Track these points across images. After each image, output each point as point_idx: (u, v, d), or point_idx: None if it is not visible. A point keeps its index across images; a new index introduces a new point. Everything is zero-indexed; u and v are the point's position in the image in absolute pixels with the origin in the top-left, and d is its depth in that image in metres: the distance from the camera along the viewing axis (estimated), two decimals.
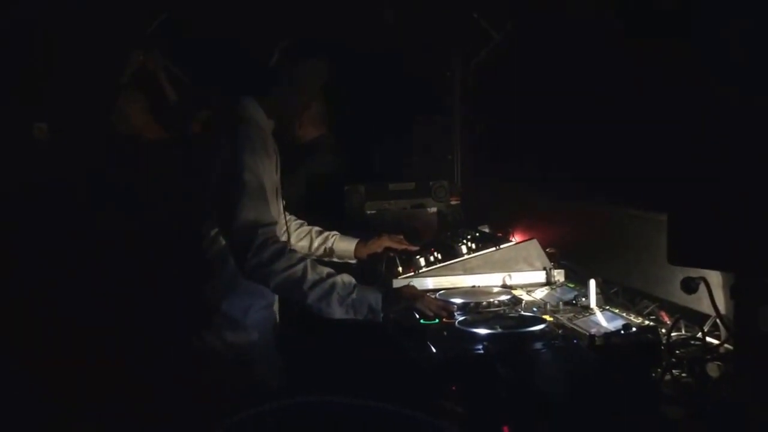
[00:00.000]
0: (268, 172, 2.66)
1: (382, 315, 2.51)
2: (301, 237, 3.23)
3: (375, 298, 2.51)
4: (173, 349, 2.76)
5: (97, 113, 3.88)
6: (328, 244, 3.24)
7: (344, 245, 3.25)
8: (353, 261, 3.28)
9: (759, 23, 1.53)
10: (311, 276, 2.47)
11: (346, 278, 2.53)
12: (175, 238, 2.80)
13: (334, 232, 3.26)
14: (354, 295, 2.49)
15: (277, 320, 2.85)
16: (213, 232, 2.66)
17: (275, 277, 2.46)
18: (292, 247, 2.72)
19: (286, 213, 3.04)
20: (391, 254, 3.22)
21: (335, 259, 3.25)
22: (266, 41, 2.74)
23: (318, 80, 2.80)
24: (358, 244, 3.25)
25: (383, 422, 1.34)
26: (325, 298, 2.47)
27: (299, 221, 3.26)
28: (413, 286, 2.80)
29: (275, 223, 2.57)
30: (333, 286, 2.48)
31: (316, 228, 3.25)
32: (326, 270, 2.52)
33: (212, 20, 4.09)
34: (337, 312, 2.48)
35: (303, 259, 2.51)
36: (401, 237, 3.32)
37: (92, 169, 3.74)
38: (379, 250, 3.25)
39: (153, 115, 3.99)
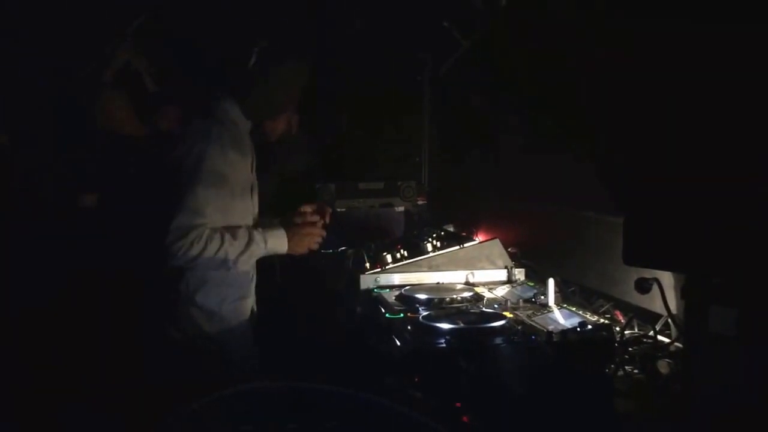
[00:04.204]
0: (241, 171, 2.75)
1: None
2: None
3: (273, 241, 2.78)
4: (152, 341, 2.80)
5: (79, 110, 3.87)
6: None
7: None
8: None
9: None
10: (233, 254, 2.67)
11: (255, 235, 2.73)
12: (150, 234, 2.83)
13: None
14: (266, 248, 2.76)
15: (255, 311, 2.91)
16: None
17: (201, 265, 2.66)
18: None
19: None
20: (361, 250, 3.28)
21: None
22: (241, 44, 2.75)
23: (297, 84, 2.87)
24: None
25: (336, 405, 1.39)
26: (247, 260, 2.75)
27: None
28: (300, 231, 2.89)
29: (206, 224, 2.64)
30: (249, 248, 2.71)
31: None
32: (243, 240, 2.70)
33: (191, 22, 4.09)
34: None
35: (223, 243, 2.65)
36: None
37: (73, 164, 3.74)
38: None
39: (135, 112, 3.99)
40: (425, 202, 4.26)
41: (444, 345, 2.20)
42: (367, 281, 3.04)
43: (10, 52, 3.86)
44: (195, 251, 2.60)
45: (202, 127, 2.70)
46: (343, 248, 3.45)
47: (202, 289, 2.72)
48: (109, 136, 3.83)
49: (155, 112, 4.15)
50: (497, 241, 3.19)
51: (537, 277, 3.05)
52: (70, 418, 2.91)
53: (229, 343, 2.76)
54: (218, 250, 2.64)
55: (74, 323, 3.27)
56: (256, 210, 2.96)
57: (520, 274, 3.12)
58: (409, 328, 2.42)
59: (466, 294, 2.82)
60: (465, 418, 1.81)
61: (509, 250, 3.21)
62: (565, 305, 2.65)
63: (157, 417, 1.38)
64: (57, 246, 3.53)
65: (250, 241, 2.73)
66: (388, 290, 2.97)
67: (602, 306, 2.66)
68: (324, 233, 2.95)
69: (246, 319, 2.85)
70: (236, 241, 2.69)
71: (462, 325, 2.35)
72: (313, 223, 2.94)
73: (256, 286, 2.95)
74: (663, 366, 2.08)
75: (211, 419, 1.40)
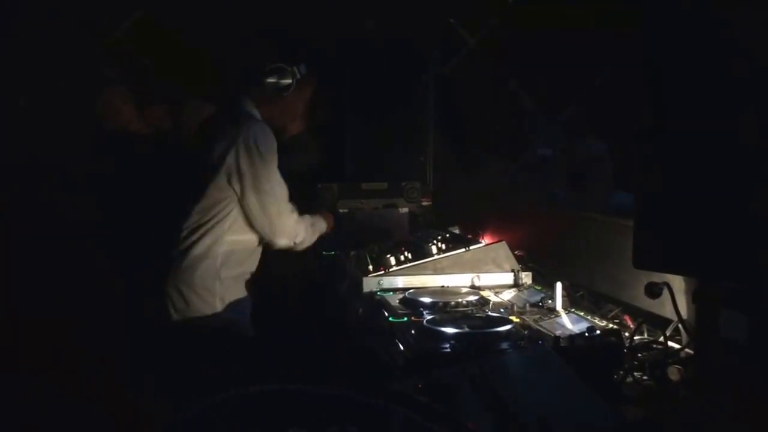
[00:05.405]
0: None
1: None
2: None
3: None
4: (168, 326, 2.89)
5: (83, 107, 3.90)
6: None
7: None
8: None
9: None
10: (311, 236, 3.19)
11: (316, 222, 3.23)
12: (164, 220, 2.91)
13: None
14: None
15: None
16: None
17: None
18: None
19: None
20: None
21: None
22: (248, 42, 2.84)
23: (306, 93, 3.17)
24: None
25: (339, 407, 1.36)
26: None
27: None
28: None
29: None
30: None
31: None
32: (310, 222, 3.20)
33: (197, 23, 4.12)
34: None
35: (306, 227, 3.14)
36: None
37: (78, 161, 3.76)
38: None
39: (140, 110, 4.02)
40: (430, 203, 4.23)
41: (448, 350, 2.17)
42: (370, 284, 3.00)
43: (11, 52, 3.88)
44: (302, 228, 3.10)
45: (245, 125, 2.93)
46: (346, 250, 3.41)
47: (229, 260, 2.95)
48: (112, 135, 3.85)
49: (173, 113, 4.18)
50: (504, 243, 3.15)
51: (544, 281, 3.01)
52: (70, 418, 2.92)
53: (238, 319, 2.97)
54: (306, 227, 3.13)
55: (78, 324, 3.28)
56: None
57: (527, 277, 3.07)
58: (412, 332, 2.37)
59: (472, 298, 2.77)
60: (471, 425, 1.78)
61: (516, 253, 3.16)
62: (573, 310, 2.60)
63: (161, 415, 1.37)
64: (62, 244, 3.54)
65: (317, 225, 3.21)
66: (391, 293, 2.92)
67: (611, 311, 2.62)
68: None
69: (248, 296, 3.05)
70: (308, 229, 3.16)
71: (467, 329, 2.30)
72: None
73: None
74: (673, 372, 2.04)
75: (211, 422, 1.37)
